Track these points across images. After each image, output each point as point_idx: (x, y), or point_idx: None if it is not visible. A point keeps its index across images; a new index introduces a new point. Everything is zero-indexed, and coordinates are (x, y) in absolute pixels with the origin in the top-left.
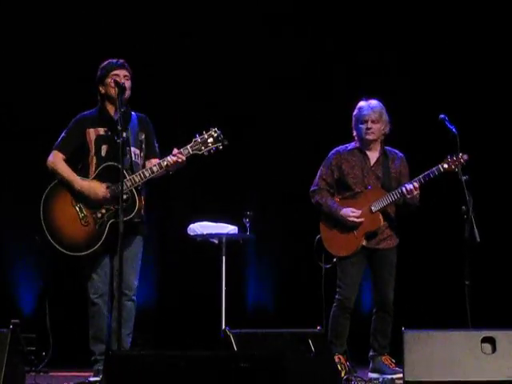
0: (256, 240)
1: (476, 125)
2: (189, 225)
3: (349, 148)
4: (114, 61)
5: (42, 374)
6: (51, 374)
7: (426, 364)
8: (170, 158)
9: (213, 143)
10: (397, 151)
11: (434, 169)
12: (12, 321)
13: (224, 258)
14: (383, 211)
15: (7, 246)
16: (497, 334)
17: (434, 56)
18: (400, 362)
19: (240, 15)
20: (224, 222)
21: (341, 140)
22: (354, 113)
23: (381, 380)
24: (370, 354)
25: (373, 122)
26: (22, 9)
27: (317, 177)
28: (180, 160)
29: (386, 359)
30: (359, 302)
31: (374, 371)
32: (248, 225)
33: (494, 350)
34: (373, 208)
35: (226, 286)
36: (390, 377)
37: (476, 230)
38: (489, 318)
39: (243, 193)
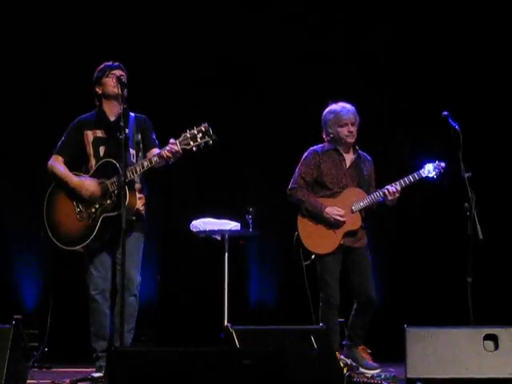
0: (259, 236)
1: (479, 122)
2: (191, 221)
3: (325, 149)
4: (110, 63)
5: (44, 369)
6: (54, 369)
7: (427, 361)
8: (166, 150)
9: (201, 138)
10: (366, 154)
11: (414, 174)
12: (14, 316)
13: (227, 254)
14: (359, 211)
15: (10, 242)
16: (499, 332)
17: (437, 53)
18: (402, 359)
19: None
20: (226, 219)
21: None
22: (329, 117)
23: (382, 376)
24: (346, 342)
25: (352, 124)
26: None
27: (295, 175)
28: (173, 150)
29: (362, 349)
30: None
31: (348, 358)
32: (250, 221)
33: (496, 347)
34: (353, 208)
35: (228, 283)
36: (392, 374)
37: (479, 227)
38: (491, 316)
39: (245, 189)
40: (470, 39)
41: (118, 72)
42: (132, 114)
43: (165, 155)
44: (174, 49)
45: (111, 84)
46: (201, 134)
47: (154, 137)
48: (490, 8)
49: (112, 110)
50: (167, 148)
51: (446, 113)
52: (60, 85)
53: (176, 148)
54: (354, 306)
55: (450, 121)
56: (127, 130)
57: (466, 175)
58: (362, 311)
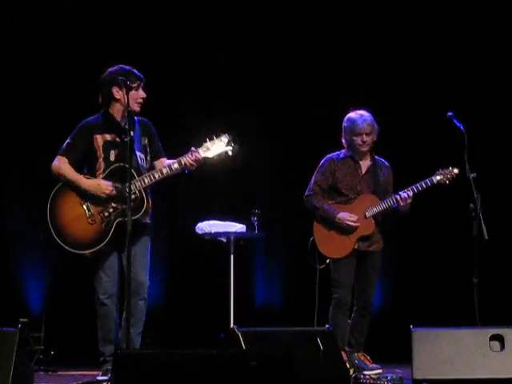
0: (264, 238)
1: (484, 122)
2: (197, 223)
3: (341, 156)
4: (137, 72)
5: (50, 373)
6: (59, 372)
7: (434, 362)
8: (188, 157)
9: (222, 148)
10: (383, 160)
11: (427, 180)
12: (20, 320)
13: (232, 256)
14: (374, 216)
15: (16, 245)
16: (505, 332)
17: (441, 54)
18: (408, 360)
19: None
20: (232, 221)
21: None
22: (346, 124)
23: (389, 378)
24: (346, 349)
25: (367, 134)
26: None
27: (311, 182)
28: (196, 158)
29: (362, 355)
30: None
31: (350, 366)
32: (256, 223)
33: (502, 347)
34: (367, 214)
35: (233, 285)
36: (398, 375)
37: (484, 228)
38: (497, 316)
39: (251, 191)
40: (474, 40)
41: (141, 94)
42: (135, 118)
43: (188, 163)
44: (179, 54)
45: (139, 100)
46: (222, 144)
47: (160, 145)
48: (497, 8)
49: (120, 114)
50: (189, 155)
51: (450, 113)
52: (59, 85)
53: (199, 156)
54: (354, 308)
55: (455, 121)
56: (132, 133)
57: (471, 176)
58: (361, 314)
